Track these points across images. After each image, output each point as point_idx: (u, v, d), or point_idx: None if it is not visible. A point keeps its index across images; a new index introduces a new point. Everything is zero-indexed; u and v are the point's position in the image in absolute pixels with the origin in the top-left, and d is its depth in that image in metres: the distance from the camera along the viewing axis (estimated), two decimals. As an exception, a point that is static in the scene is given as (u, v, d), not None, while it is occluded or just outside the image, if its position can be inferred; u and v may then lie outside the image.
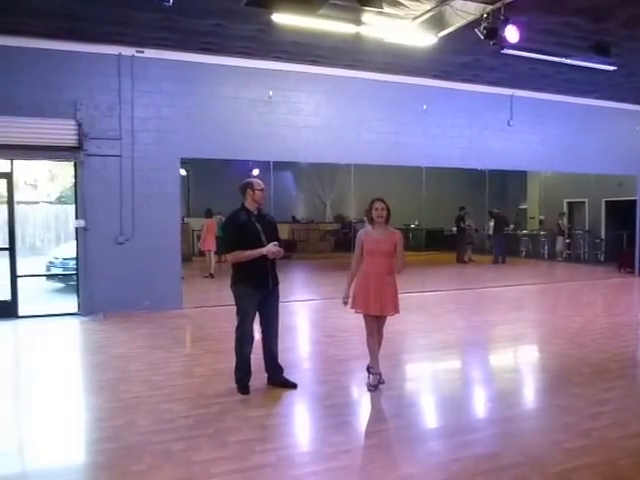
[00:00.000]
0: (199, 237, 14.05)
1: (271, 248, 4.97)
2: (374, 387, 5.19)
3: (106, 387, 5.37)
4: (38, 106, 8.34)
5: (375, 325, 5.22)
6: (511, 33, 6.87)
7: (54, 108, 8.45)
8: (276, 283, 5.22)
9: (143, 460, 3.80)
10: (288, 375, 5.37)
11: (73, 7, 7.11)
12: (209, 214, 13.43)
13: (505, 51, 7.92)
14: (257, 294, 5.06)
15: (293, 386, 5.25)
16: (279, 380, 5.29)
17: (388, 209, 5.17)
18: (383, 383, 5.25)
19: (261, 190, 5.13)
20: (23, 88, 8.27)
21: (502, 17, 6.76)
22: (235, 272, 5.12)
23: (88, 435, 4.42)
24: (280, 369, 5.34)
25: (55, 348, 7.16)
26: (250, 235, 5.01)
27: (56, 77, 8.49)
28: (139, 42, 8.65)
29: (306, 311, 9.67)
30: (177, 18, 7.46)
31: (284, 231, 15.24)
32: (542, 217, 18.63)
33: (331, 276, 13.58)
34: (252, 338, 5.16)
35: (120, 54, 8.78)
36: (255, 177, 5.36)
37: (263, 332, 5.26)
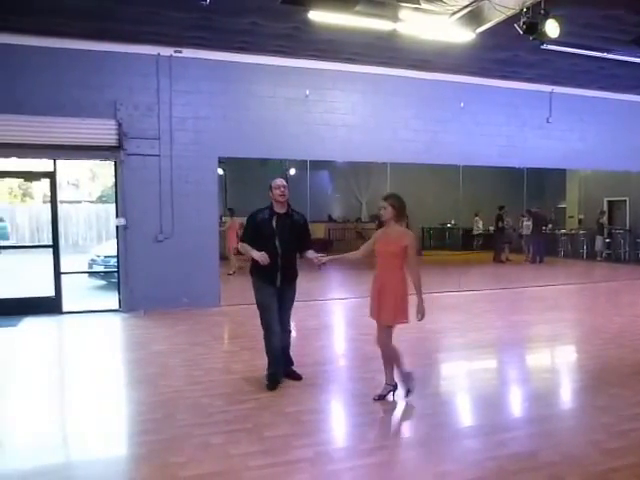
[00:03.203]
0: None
1: (261, 256, 4.99)
2: (377, 397, 4.86)
3: (147, 381, 5.50)
4: (79, 106, 8.53)
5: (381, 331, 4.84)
6: (552, 28, 6.70)
7: (95, 108, 8.64)
8: (288, 281, 5.27)
9: (183, 453, 3.88)
10: (325, 372, 5.44)
11: (112, 8, 7.26)
12: (232, 213, 13.43)
13: (545, 46, 7.75)
14: (269, 287, 5.18)
15: (298, 378, 5.37)
16: (285, 371, 5.40)
17: (394, 207, 4.70)
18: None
19: (277, 188, 5.16)
20: (65, 88, 8.48)
21: (542, 11, 6.60)
22: (252, 261, 5.26)
23: (130, 427, 4.54)
24: (289, 362, 5.45)
25: (97, 343, 7.35)
26: (262, 235, 5.13)
27: (96, 77, 8.67)
28: (176, 42, 8.78)
29: (342, 309, 9.64)
30: (213, 17, 7.54)
31: (320, 230, 15.28)
32: (581, 216, 18.21)
33: (367, 275, 13.59)
34: (278, 331, 5.20)
35: (159, 54, 8.94)
36: (280, 177, 5.35)
37: None
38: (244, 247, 5.23)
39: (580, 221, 18.17)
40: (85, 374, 5.90)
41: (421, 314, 4.68)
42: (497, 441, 4.07)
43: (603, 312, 9.41)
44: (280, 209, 5.21)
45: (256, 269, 5.18)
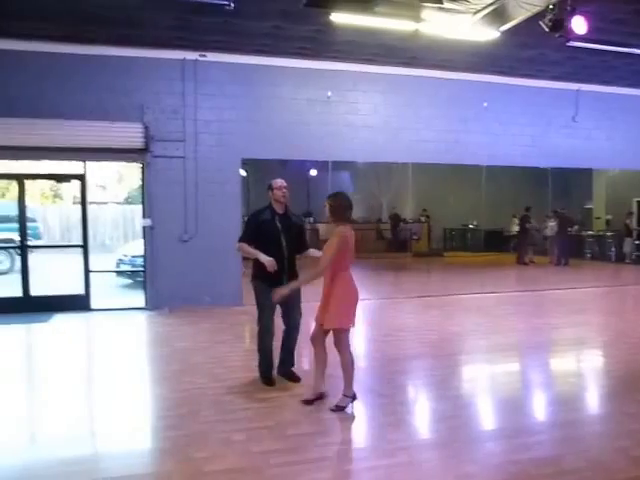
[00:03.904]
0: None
1: (270, 262, 4.97)
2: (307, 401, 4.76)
3: (171, 378, 5.60)
4: (108, 110, 8.73)
5: (319, 336, 4.71)
6: (578, 24, 6.56)
7: (123, 112, 8.84)
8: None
9: (206, 448, 3.94)
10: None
11: (138, 15, 7.45)
12: None
13: (572, 44, 7.60)
14: (273, 290, 5.15)
15: (297, 380, 5.35)
16: (285, 372, 5.41)
17: (332, 206, 4.54)
18: (308, 402, 4.75)
19: (279, 189, 5.18)
20: (94, 93, 8.69)
21: (568, 7, 6.46)
22: (254, 268, 5.25)
23: (154, 422, 4.63)
24: (291, 362, 5.44)
25: (124, 340, 7.52)
26: (268, 234, 5.12)
27: (124, 82, 8.87)
28: (201, 46, 8.92)
29: (362, 311, 9.63)
30: (237, 21, 7.64)
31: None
32: (609, 217, 17.90)
33: (387, 275, 13.58)
34: (273, 332, 5.26)
35: (184, 59, 9.08)
36: (278, 177, 5.33)
37: (284, 324, 5.38)
38: (246, 248, 5.19)
39: (608, 222, 17.84)
40: (112, 369, 6.02)
41: (279, 295, 4.70)
42: (520, 445, 4.03)
43: (631, 316, 9.25)
44: (280, 209, 5.24)
45: (263, 272, 5.07)
